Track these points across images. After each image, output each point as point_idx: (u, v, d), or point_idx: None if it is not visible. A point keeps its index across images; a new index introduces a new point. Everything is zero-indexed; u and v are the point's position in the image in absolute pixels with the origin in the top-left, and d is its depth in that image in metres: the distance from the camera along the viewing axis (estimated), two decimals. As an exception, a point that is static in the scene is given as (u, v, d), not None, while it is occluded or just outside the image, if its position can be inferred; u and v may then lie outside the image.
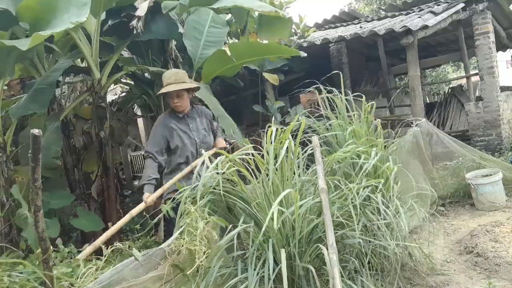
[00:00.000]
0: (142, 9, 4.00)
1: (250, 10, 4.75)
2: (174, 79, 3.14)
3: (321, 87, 3.33)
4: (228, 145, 3.40)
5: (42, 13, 3.41)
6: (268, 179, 2.27)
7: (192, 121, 3.25)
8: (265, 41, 5.81)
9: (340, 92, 3.29)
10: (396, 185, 2.86)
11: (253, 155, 2.39)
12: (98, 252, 2.12)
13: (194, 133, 3.20)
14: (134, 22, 3.94)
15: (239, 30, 5.54)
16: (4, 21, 3.46)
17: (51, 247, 1.59)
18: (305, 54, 5.54)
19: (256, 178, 2.37)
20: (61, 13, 3.36)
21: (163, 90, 3.13)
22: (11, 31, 3.63)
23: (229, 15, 5.23)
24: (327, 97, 3.32)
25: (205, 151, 2.85)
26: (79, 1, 3.36)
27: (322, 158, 2.53)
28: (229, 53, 4.47)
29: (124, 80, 6.07)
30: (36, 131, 1.41)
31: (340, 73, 3.56)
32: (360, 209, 2.32)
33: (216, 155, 2.73)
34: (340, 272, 1.91)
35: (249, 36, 5.65)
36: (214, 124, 3.48)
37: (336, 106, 3.29)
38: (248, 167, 2.39)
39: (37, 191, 1.48)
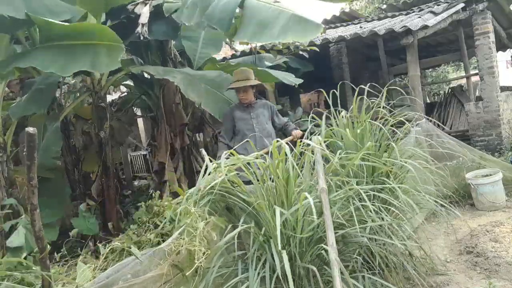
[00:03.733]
0: (144, 15, 3.99)
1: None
2: (243, 77, 3.80)
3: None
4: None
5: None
6: (270, 179, 2.27)
7: (253, 110, 3.88)
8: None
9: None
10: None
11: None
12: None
13: (254, 121, 3.82)
14: (139, 29, 3.94)
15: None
16: (15, 25, 3.38)
17: (48, 245, 1.58)
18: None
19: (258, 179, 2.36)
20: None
21: (231, 86, 3.85)
22: (11, 34, 3.61)
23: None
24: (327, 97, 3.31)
25: (264, 137, 3.64)
26: None
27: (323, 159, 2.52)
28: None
29: (125, 82, 6.06)
30: (31, 129, 1.40)
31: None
32: (363, 208, 2.31)
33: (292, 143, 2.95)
34: (341, 272, 1.91)
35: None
36: (281, 118, 4.09)
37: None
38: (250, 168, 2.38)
39: (32, 189, 1.47)
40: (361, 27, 7.17)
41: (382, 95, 3.07)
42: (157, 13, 4.22)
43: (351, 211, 2.22)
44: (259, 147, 3.37)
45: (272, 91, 6.89)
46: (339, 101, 3.04)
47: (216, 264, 1.99)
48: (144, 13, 3.98)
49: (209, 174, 2.30)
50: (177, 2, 4.13)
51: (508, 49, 10.31)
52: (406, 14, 7.24)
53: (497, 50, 8.09)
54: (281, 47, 6.08)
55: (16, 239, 2.93)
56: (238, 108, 3.93)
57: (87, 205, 4.51)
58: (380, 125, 2.91)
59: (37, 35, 3.98)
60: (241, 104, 3.92)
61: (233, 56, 7.24)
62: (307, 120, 3.05)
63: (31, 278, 1.70)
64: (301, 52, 6.14)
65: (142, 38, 3.93)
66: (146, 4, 4.15)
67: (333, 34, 7.10)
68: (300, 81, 5.04)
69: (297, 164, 2.31)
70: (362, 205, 2.30)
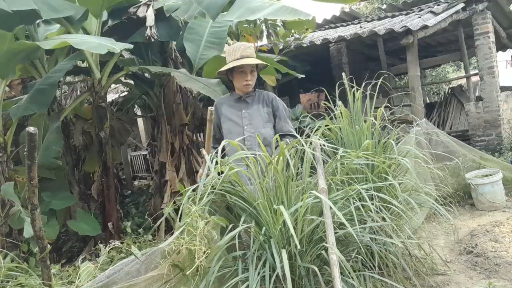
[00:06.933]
0: (150, 18, 4.04)
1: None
2: (250, 53, 2.57)
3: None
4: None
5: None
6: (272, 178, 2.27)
7: (248, 107, 2.65)
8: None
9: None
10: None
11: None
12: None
13: (245, 121, 2.62)
14: (148, 32, 3.97)
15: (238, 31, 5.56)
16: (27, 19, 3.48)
17: (49, 245, 1.59)
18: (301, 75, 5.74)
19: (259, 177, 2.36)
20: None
21: (240, 62, 2.51)
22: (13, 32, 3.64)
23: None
24: (328, 97, 3.31)
25: (257, 146, 2.32)
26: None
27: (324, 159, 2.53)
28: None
29: (125, 80, 6.07)
30: (31, 129, 1.41)
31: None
32: (363, 208, 2.32)
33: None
34: (341, 272, 1.91)
35: (248, 38, 5.68)
36: (285, 123, 2.70)
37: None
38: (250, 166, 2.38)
39: (33, 189, 1.48)
40: (361, 27, 7.18)
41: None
42: (158, 15, 4.24)
43: (351, 211, 2.22)
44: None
45: (273, 86, 6.85)
46: (339, 101, 3.05)
47: (217, 263, 1.99)
48: (150, 15, 4.02)
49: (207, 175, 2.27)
50: (178, 1, 4.15)
51: (508, 49, 10.33)
52: (406, 14, 7.25)
53: (497, 50, 8.10)
54: (281, 46, 6.08)
55: (30, 228, 2.94)
56: (227, 101, 2.74)
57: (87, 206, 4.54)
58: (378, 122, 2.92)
59: (37, 34, 4.01)
60: (233, 95, 2.74)
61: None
62: (307, 116, 3.06)
63: (32, 278, 1.71)
64: (304, 44, 6.22)
65: (152, 40, 3.96)
66: (149, 6, 4.18)
67: (333, 34, 7.10)
68: (302, 76, 5.50)
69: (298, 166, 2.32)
70: (362, 204, 2.31)
